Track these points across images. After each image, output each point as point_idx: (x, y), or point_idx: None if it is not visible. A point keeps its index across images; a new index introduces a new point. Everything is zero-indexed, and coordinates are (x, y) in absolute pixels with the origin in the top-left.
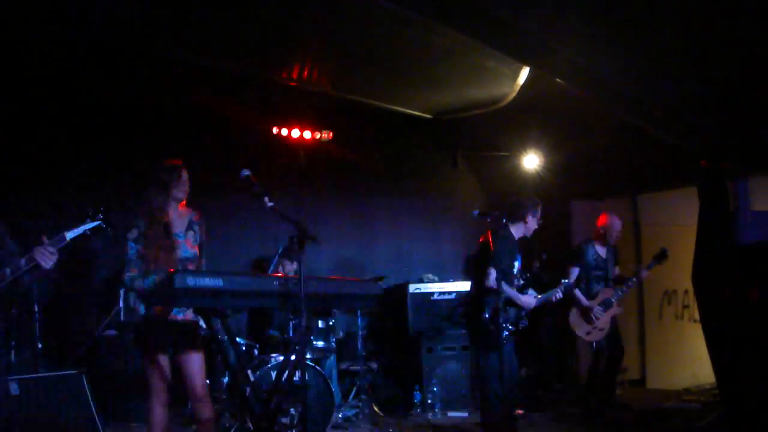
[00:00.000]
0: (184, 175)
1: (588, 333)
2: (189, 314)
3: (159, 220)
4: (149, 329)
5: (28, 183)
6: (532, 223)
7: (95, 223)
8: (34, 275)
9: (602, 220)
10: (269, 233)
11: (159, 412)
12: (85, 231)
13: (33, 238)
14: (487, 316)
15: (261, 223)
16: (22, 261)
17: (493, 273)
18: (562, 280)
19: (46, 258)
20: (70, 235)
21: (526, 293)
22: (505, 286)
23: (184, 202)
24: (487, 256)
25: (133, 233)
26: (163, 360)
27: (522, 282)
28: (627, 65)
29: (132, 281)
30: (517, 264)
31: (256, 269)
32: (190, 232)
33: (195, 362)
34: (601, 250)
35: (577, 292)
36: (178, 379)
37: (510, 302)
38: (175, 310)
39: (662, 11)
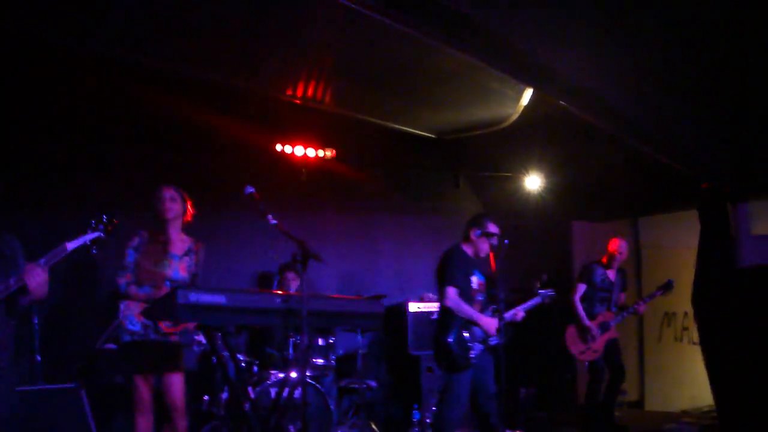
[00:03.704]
0: (162, 194)
1: (582, 352)
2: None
3: (158, 237)
4: (136, 349)
5: (30, 195)
6: (479, 241)
7: (96, 234)
8: (27, 298)
9: (613, 244)
10: (267, 250)
11: (144, 425)
12: (85, 242)
13: (36, 249)
14: (450, 339)
15: (263, 240)
16: (12, 280)
17: (451, 291)
18: (539, 291)
19: (35, 277)
20: (70, 246)
21: (488, 311)
22: (464, 306)
23: (181, 222)
24: (441, 276)
25: (135, 242)
26: (146, 379)
27: (484, 298)
28: (629, 88)
29: (127, 286)
30: (475, 279)
31: (260, 286)
32: (186, 258)
33: (177, 382)
34: (611, 273)
35: (580, 310)
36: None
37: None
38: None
39: (665, 33)
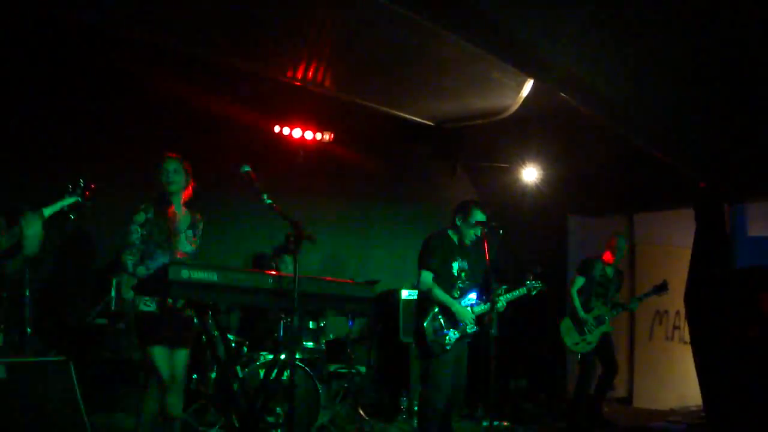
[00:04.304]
0: (166, 165)
1: (576, 344)
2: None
3: (165, 211)
4: (153, 321)
5: (8, 162)
6: (464, 227)
7: (73, 199)
8: (17, 258)
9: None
10: (266, 231)
11: (152, 402)
12: (63, 207)
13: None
14: (425, 325)
15: (260, 220)
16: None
17: (425, 275)
18: (526, 282)
19: (33, 226)
20: (48, 211)
21: (469, 294)
22: (437, 291)
23: (185, 197)
24: (419, 259)
25: (141, 217)
26: (162, 351)
27: (467, 283)
28: (630, 83)
29: (135, 267)
30: (457, 265)
31: (256, 266)
32: (190, 231)
33: (183, 357)
34: (609, 270)
35: (576, 300)
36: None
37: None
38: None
39: (667, 31)
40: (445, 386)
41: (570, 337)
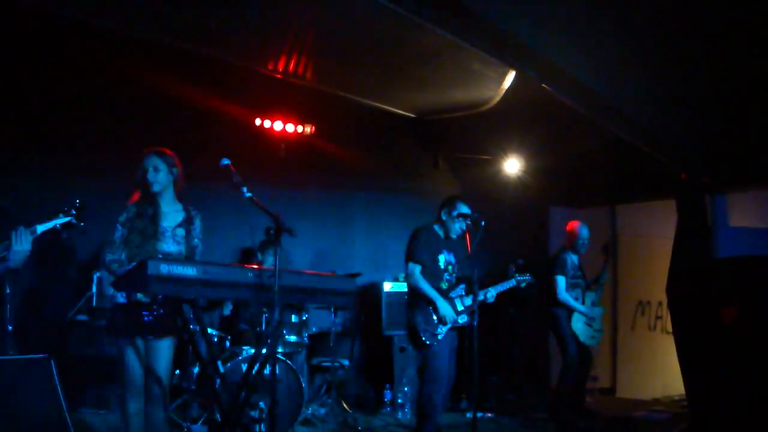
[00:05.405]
0: (145, 163)
1: (592, 337)
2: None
3: (145, 211)
4: (123, 315)
5: (5, 169)
6: (450, 222)
7: (67, 219)
8: (3, 265)
9: (570, 227)
10: (247, 224)
11: (134, 408)
12: (55, 225)
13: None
14: (417, 318)
15: (240, 213)
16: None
17: (412, 268)
18: (516, 276)
19: (24, 243)
20: (41, 228)
21: (458, 289)
22: (424, 285)
23: (177, 192)
24: (406, 252)
25: (123, 216)
26: (137, 347)
27: (453, 276)
28: (612, 75)
29: (111, 264)
30: (443, 258)
31: (241, 262)
32: (180, 229)
33: (165, 347)
34: (575, 258)
35: (571, 300)
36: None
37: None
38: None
39: (649, 23)
40: (441, 378)
41: (583, 333)
